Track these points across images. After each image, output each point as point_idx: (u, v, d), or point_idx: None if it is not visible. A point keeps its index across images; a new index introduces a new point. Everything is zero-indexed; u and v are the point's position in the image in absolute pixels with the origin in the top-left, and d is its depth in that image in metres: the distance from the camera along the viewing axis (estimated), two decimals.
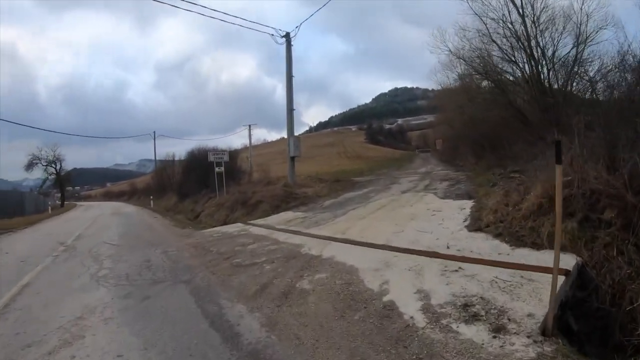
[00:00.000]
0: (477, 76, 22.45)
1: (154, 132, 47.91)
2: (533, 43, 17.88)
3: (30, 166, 49.62)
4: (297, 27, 18.41)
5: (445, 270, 4.87)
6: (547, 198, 5.78)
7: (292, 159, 18.36)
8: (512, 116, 20.11)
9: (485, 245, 5.85)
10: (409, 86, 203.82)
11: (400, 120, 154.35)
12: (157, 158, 46.94)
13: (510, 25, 18.23)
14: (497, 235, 6.18)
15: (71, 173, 59.15)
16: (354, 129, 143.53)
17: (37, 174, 52.74)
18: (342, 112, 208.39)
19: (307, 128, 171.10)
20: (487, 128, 22.16)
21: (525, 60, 18.58)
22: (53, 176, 52.71)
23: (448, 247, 6.01)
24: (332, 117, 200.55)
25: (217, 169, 19.45)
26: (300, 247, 7.32)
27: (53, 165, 51.58)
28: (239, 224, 12.26)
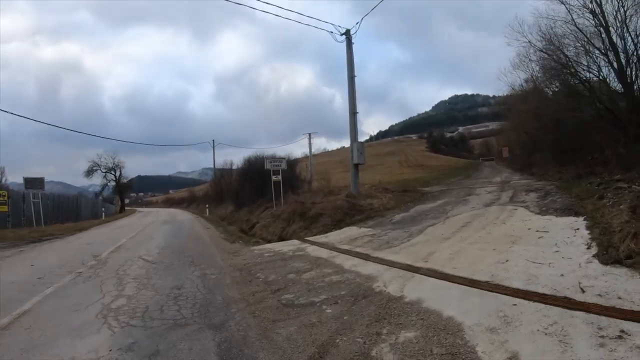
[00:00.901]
0: (553, 73, 20.51)
1: (213, 140, 48.58)
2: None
3: (89, 172, 52.17)
4: (357, 22, 17.06)
5: (603, 337, 3.26)
6: None
7: (356, 166, 16.94)
8: (599, 117, 17.94)
9: None
10: (469, 93, 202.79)
11: (461, 128, 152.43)
12: (215, 167, 47.34)
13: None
14: None
15: (133, 180, 61.24)
16: (414, 138, 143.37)
17: (99, 180, 54.83)
18: (401, 120, 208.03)
19: (368, 137, 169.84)
20: (569, 132, 20.09)
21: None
22: (113, 182, 54.56)
23: (583, 290, 4.38)
24: (392, 125, 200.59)
25: (274, 178, 18.41)
26: (372, 279, 5.91)
27: (112, 172, 53.38)
28: (295, 241, 11.03)
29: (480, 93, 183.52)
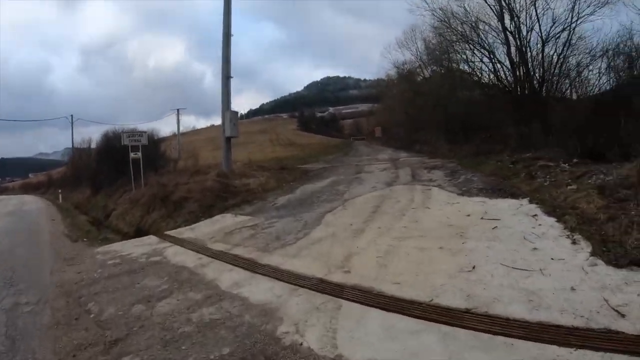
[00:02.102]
0: (443, 50, 21.73)
1: (72, 115, 42.19)
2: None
3: None
4: None
5: None
6: None
7: (228, 140, 14.52)
8: (492, 96, 18.81)
9: None
10: (340, 75, 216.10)
11: (331, 109, 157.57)
12: (74, 145, 40.43)
13: None
14: None
15: None
16: (285, 117, 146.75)
17: None
18: (273, 99, 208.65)
19: (239, 115, 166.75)
20: (459, 111, 20.28)
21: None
22: None
23: (621, 314, 3.12)
24: (263, 104, 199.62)
25: (132, 155, 15.01)
26: (272, 316, 3.79)
27: None
28: (153, 238, 8.24)
29: (352, 76, 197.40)
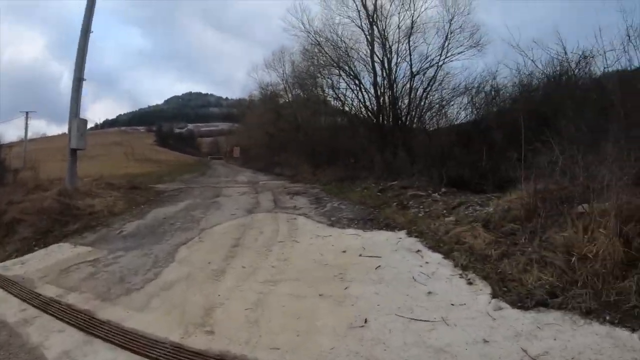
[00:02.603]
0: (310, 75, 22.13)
1: None
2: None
3: None
4: None
5: None
6: None
7: (74, 152, 12.34)
8: (358, 123, 19.67)
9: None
10: (202, 92, 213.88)
11: (191, 125, 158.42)
12: None
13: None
14: (606, 321, 3.35)
15: None
16: (142, 130, 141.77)
17: None
18: (131, 111, 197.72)
19: (93, 125, 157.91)
20: (325, 135, 21.00)
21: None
22: None
23: None
24: (120, 115, 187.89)
25: None
26: None
27: None
28: None
29: (214, 93, 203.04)
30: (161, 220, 9.16)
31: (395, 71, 17.55)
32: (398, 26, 17.36)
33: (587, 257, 4.10)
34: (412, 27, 17.01)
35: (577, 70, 10.74)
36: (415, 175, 12.14)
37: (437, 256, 5.29)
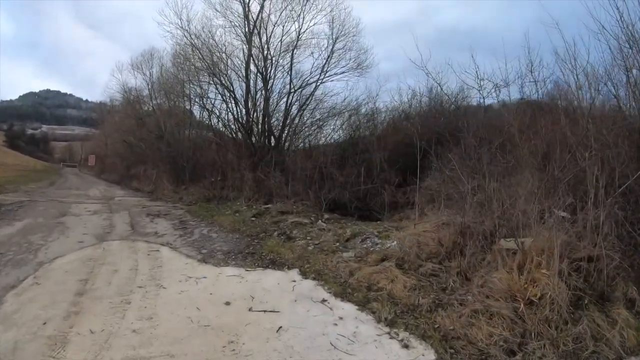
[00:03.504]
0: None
1: None
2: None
3: None
4: None
5: None
6: None
7: None
8: (232, 138, 17.73)
9: None
10: (62, 91, 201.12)
11: (45, 127, 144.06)
12: None
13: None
14: None
15: None
16: None
17: None
18: None
19: None
20: (186, 147, 19.21)
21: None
22: None
23: None
24: None
25: None
26: None
27: None
28: None
29: (73, 94, 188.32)
30: None
31: (271, 85, 16.20)
32: (281, 40, 16.13)
33: (532, 302, 3.60)
34: (297, 40, 15.84)
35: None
36: (291, 198, 11.24)
37: (350, 308, 4.22)
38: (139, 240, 7.78)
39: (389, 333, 3.60)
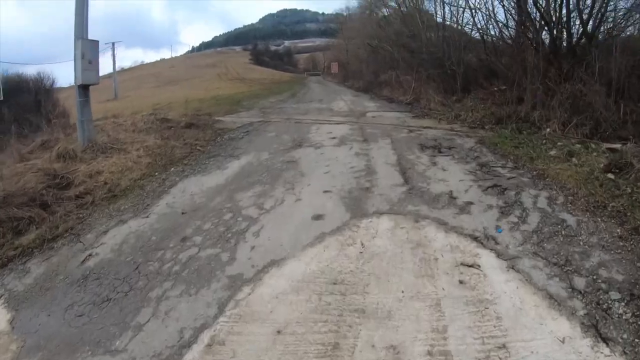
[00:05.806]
0: None
1: None
2: None
3: None
4: None
5: None
6: None
7: (84, 89, 8.52)
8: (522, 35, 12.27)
9: None
10: (298, 8, 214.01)
11: (287, 42, 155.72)
12: None
13: None
14: None
15: None
16: (238, 50, 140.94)
17: None
18: (226, 32, 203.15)
19: (190, 48, 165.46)
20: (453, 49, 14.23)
21: None
22: None
23: None
24: (215, 37, 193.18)
25: None
26: None
27: None
28: None
29: (310, 9, 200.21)
30: (172, 224, 4.55)
31: None
32: None
33: None
34: None
35: None
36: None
37: None
38: (427, 218, 4.31)
39: None
